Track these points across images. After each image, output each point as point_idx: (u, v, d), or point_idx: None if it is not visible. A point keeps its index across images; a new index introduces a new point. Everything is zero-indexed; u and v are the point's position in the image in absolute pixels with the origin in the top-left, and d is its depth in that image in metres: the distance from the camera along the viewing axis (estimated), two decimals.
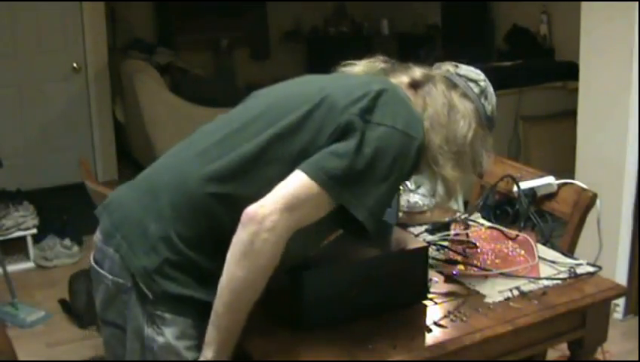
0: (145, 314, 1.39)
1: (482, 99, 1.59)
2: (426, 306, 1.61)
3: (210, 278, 1.36)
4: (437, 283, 1.71)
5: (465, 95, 1.56)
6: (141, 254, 1.40)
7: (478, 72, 1.64)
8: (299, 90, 1.54)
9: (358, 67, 1.61)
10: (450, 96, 1.53)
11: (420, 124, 1.44)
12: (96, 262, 1.50)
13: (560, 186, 2.13)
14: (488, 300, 1.62)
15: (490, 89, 1.63)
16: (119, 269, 1.42)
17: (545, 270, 1.77)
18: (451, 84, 1.56)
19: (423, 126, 1.45)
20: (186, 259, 1.38)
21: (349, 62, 1.62)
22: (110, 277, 1.44)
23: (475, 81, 1.60)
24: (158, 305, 1.38)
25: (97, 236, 1.50)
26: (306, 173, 1.34)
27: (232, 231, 1.31)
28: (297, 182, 1.33)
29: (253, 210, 1.30)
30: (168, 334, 1.38)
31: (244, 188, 1.37)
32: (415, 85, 1.54)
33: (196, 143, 1.49)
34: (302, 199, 1.32)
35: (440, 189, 1.60)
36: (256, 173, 1.39)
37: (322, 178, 1.33)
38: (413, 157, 1.41)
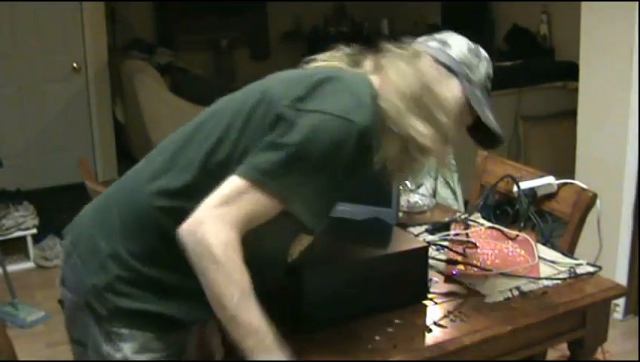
0: (102, 332, 1.39)
1: (465, 68, 1.46)
2: (426, 306, 1.61)
3: (173, 291, 1.34)
4: (437, 283, 1.71)
5: (437, 60, 1.44)
6: (92, 272, 1.39)
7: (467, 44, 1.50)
8: (242, 93, 1.48)
9: (319, 62, 1.54)
10: (416, 64, 1.41)
11: (366, 109, 1.31)
12: (61, 281, 1.50)
13: (560, 186, 2.14)
14: (488, 300, 1.62)
15: (481, 53, 1.51)
16: (76, 288, 1.43)
17: (545, 270, 1.77)
18: (420, 53, 1.45)
19: (374, 111, 1.32)
20: (139, 275, 1.37)
21: (311, 57, 1.55)
22: (70, 295, 1.45)
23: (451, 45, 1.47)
24: (114, 322, 1.37)
25: (61, 255, 1.51)
26: (237, 173, 1.27)
27: None
28: (228, 184, 1.26)
29: (187, 221, 1.25)
30: (127, 350, 1.37)
31: (193, 200, 1.31)
32: (378, 68, 1.44)
33: (151, 158, 1.47)
34: (234, 197, 1.25)
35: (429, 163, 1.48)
36: (203, 183, 1.32)
37: (252, 174, 1.26)
38: (353, 143, 1.27)
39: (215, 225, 1.23)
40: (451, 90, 1.43)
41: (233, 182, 1.26)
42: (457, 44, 1.47)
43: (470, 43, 1.49)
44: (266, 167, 1.26)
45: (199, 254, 1.23)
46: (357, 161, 1.30)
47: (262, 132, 1.31)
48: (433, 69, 1.42)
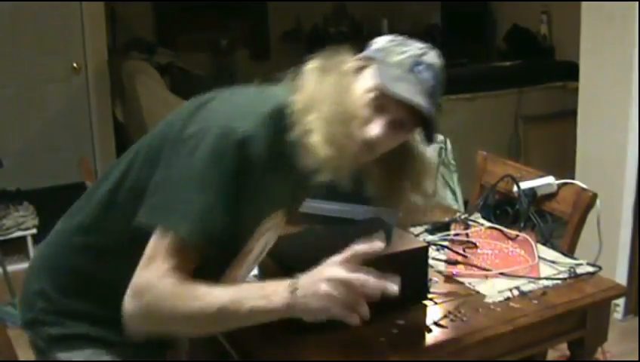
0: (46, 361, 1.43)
1: (382, 53, 1.36)
2: (426, 306, 1.61)
3: (106, 320, 1.32)
4: (437, 283, 1.71)
5: (357, 65, 1.38)
6: (23, 307, 1.45)
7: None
8: (158, 125, 1.43)
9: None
10: (330, 72, 1.37)
11: (252, 117, 1.25)
12: None
13: (560, 186, 2.14)
14: (488, 300, 1.62)
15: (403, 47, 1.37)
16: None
17: (545, 270, 1.77)
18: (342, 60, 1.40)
19: (263, 121, 1.25)
20: (62, 305, 1.39)
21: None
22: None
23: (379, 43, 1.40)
24: (53, 349, 1.40)
25: None
26: (141, 218, 1.25)
27: (110, 280, 1.27)
28: (150, 242, 1.23)
29: (127, 295, 1.22)
30: None
31: (104, 236, 1.33)
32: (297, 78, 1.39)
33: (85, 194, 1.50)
34: (153, 250, 1.21)
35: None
36: (111, 218, 1.34)
37: (151, 218, 1.24)
38: (232, 151, 1.21)
39: (152, 289, 1.20)
40: (363, 79, 1.34)
41: (151, 238, 1.23)
42: (383, 38, 1.42)
43: (401, 37, 1.41)
44: (159, 205, 1.24)
45: (157, 318, 1.22)
46: (241, 169, 1.23)
47: (155, 167, 1.30)
48: (349, 71, 1.37)
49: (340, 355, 1.41)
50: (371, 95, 1.30)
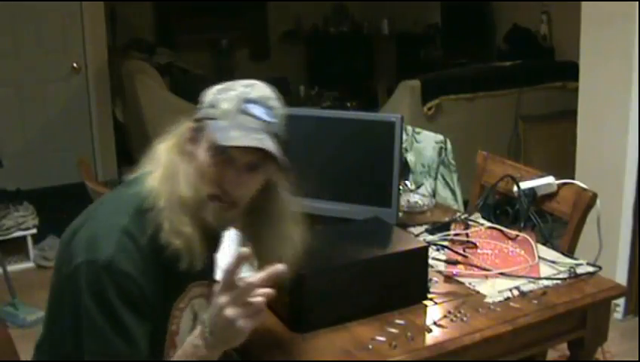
0: None
1: (212, 109, 1.35)
2: (426, 306, 1.61)
3: None
4: (437, 283, 1.71)
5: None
6: None
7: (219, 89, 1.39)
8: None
9: None
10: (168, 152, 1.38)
11: (107, 239, 1.27)
12: None
13: (560, 186, 2.14)
14: (488, 300, 1.62)
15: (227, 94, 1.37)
16: None
17: (545, 270, 1.77)
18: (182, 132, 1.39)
19: (120, 238, 1.27)
20: None
21: None
22: None
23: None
24: None
25: None
26: None
27: None
28: None
29: None
30: None
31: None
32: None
33: None
34: None
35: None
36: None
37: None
38: (106, 280, 1.24)
39: None
40: (202, 144, 1.34)
41: None
42: (211, 91, 1.40)
43: (228, 82, 1.41)
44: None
45: None
46: (124, 286, 1.26)
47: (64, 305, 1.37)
48: (186, 143, 1.37)
49: (340, 355, 1.41)
50: (211, 154, 1.32)
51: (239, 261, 1.22)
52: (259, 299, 1.20)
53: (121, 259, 1.26)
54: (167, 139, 1.40)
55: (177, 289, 1.40)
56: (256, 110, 1.34)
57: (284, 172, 1.39)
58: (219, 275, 1.28)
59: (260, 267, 1.33)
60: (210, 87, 1.40)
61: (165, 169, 1.35)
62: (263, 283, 1.21)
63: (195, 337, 1.27)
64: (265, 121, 1.35)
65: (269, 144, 1.32)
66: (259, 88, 1.39)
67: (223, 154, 1.31)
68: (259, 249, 1.40)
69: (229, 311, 1.20)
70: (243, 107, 1.34)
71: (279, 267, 1.23)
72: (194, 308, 1.43)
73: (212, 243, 1.37)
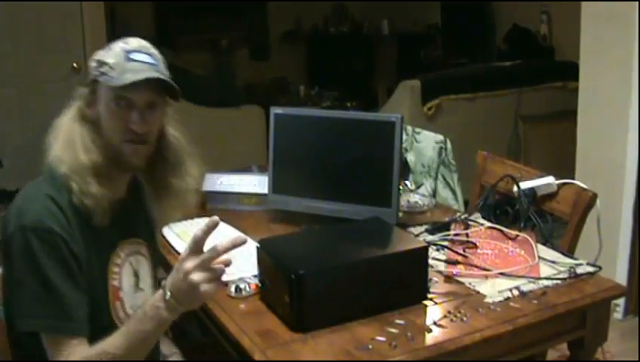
0: None
1: (100, 68, 1.47)
2: (426, 306, 1.61)
3: None
4: (437, 283, 1.71)
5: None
6: None
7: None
8: None
9: None
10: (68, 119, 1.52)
11: (34, 204, 1.41)
12: None
13: (560, 186, 2.13)
14: (488, 300, 1.62)
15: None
16: None
17: (545, 270, 1.77)
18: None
19: (45, 202, 1.41)
20: None
21: None
22: None
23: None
24: None
25: None
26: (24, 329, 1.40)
27: None
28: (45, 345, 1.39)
29: None
30: None
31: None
32: None
33: None
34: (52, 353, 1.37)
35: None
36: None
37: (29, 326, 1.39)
38: (37, 243, 1.36)
39: None
40: (100, 101, 1.48)
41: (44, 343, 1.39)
42: (95, 56, 1.51)
43: (106, 45, 1.52)
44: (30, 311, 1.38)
45: None
46: (53, 248, 1.37)
47: None
48: (84, 106, 1.50)
49: (340, 355, 1.41)
50: (112, 103, 1.46)
51: (209, 229, 1.34)
52: (221, 265, 1.33)
53: (47, 219, 1.37)
54: (66, 112, 1.53)
55: (109, 247, 1.51)
56: (140, 56, 1.48)
57: (177, 100, 1.56)
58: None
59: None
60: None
61: (64, 136, 1.49)
62: (226, 250, 1.34)
63: (156, 299, 1.37)
64: (150, 63, 1.49)
65: (157, 74, 1.48)
66: (135, 40, 1.52)
67: (123, 101, 1.45)
68: (166, 194, 1.60)
69: (195, 276, 1.32)
70: (130, 55, 1.47)
71: (241, 236, 1.38)
72: (132, 264, 1.55)
73: (134, 200, 1.56)
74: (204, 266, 1.32)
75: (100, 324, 1.44)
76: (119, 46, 1.49)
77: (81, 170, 1.43)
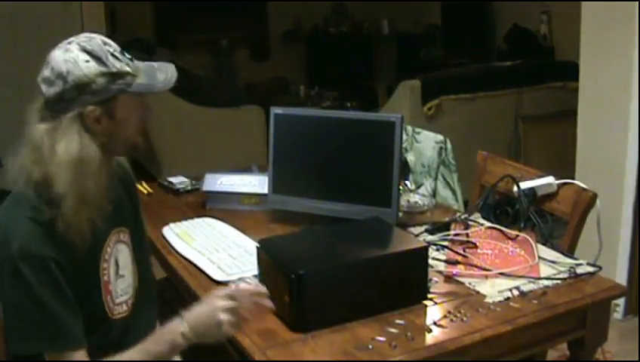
0: None
1: (77, 92, 1.40)
2: (426, 306, 1.61)
3: None
4: (437, 283, 1.71)
5: (59, 112, 1.43)
6: None
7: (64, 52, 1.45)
8: None
9: None
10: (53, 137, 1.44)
11: (18, 231, 1.36)
12: None
13: (560, 186, 2.13)
14: (488, 300, 1.62)
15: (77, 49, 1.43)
16: None
17: (545, 270, 1.77)
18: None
19: (29, 226, 1.37)
20: None
21: None
22: None
23: (54, 81, 1.43)
24: None
25: None
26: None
27: None
28: None
29: None
30: None
31: None
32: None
33: None
34: None
35: None
36: None
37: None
38: (27, 269, 1.34)
39: None
40: (122, 111, 1.46)
41: None
42: (86, 73, 1.41)
43: (82, 53, 1.43)
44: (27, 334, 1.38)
45: None
46: (44, 273, 1.36)
47: None
48: (93, 124, 1.43)
49: (340, 355, 1.41)
50: (138, 107, 1.50)
51: (259, 294, 1.42)
52: (246, 311, 1.40)
53: (33, 244, 1.35)
54: (61, 143, 1.42)
55: (99, 243, 1.50)
56: (123, 52, 1.48)
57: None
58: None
59: None
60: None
61: (68, 161, 1.39)
62: (255, 296, 1.41)
63: (173, 326, 1.41)
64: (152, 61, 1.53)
65: (169, 65, 1.54)
66: (103, 39, 1.47)
67: (142, 101, 1.50)
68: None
69: (222, 315, 1.38)
70: (127, 56, 1.47)
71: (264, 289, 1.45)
72: (114, 255, 1.54)
73: (116, 186, 1.56)
74: (233, 310, 1.39)
75: (97, 321, 1.47)
76: (113, 50, 1.44)
77: (85, 199, 1.39)
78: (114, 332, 1.53)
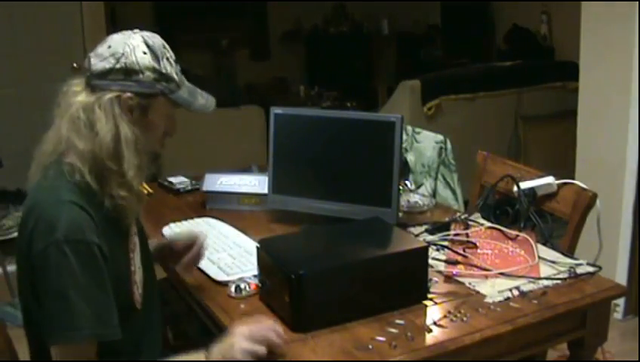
0: None
1: (124, 75, 1.44)
2: (426, 306, 1.61)
3: None
4: (437, 283, 1.71)
5: (98, 88, 1.44)
6: None
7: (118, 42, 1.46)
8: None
9: None
10: (79, 103, 1.46)
11: (62, 216, 1.35)
12: None
13: (560, 186, 2.13)
14: (488, 300, 1.62)
15: (139, 52, 1.45)
16: None
17: (545, 270, 1.77)
18: (87, 88, 1.47)
19: (70, 208, 1.37)
20: None
21: None
22: None
23: (107, 57, 1.44)
24: None
25: None
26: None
27: None
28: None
29: None
30: None
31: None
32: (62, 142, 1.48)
33: None
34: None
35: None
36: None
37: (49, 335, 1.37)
38: (72, 255, 1.33)
39: None
40: (155, 112, 1.49)
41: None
42: (139, 62, 1.45)
43: (142, 44, 1.47)
44: (52, 322, 1.36)
45: None
46: (89, 258, 1.35)
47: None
48: (123, 113, 1.44)
49: (340, 355, 1.41)
50: (170, 118, 1.54)
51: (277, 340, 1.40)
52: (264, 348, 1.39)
53: (79, 229, 1.35)
54: (102, 114, 1.44)
55: (127, 235, 1.52)
56: (177, 63, 1.54)
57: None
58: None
59: None
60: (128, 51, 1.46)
61: (110, 136, 1.41)
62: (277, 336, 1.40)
63: (196, 359, 1.42)
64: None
65: (212, 101, 1.60)
66: (161, 41, 1.53)
67: (174, 113, 1.53)
68: None
69: (244, 356, 1.37)
70: (178, 70, 1.53)
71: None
72: (135, 245, 1.56)
73: None
74: (254, 354, 1.39)
75: (125, 309, 1.46)
76: (166, 52, 1.51)
77: (134, 171, 1.42)
78: (139, 322, 1.53)
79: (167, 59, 1.49)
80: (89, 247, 1.35)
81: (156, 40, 1.50)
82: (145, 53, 1.45)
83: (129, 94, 1.44)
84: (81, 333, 1.35)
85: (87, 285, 1.35)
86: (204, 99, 1.58)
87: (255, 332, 1.39)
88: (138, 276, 1.54)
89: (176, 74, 1.51)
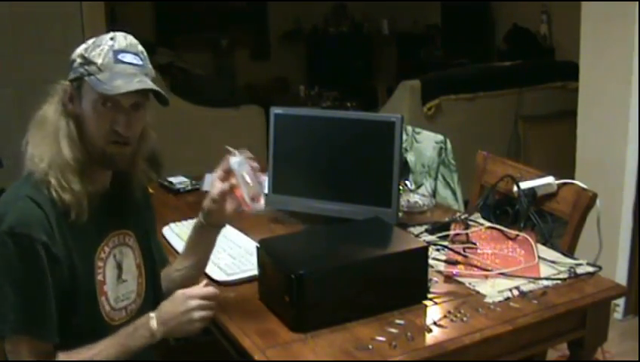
0: None
1: (86, 66, 1.46)
2: (426, 306, 1.61)
3: None
4: (437, 283, 1.71)
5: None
6: None
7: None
8: None
9: None
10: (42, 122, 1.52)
11: (11, 208, 1.38)
12: None
13: (560, 186, 2.13)
14: (488, 300, 1.62)
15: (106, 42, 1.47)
16: None
17: (545, 270, 1.77)
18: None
19: (23, 205, 1.38)
20: None
21: None
22: None
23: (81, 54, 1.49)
24: None
25: None
26: None
27: None
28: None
29: None
30: None
31: None
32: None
33: None
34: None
35: None
36: None
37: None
38: (11, 248, 1.33)
39: None
40: (85, 100, 1.45)
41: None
42: (75, 51, 1.53)
43: (93, 38, 1.52)
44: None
45: None
46: (29, 253, 1.35)
47: None
48: (66, 102, 1.48)
49: (340, 355, 1.41)
50: (98, 104, 1.44)
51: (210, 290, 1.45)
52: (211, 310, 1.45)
53: (26, 223, 1.35)
54: (46, 106, 1.52)
55: (95, 241, 1.50)
56: (129, 57, 1.46)
57: (163, 105, 1.50)
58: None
59: None
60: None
61: (46, 131, 1.48)
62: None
63: (145, 325, 1.44)
64: (138, 65, 1.47)
65: (149, 83, 1.46)
66: (122, 38, 1.49)
67: (109, 102, 1.43)
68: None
69: (197, 314, 1.43)
70: (117, 57, 1.45)
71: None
72: (115, 257, 1.53)
73: (120, 191, 1.55)
74: (205, 305, 1.45)
75: (89, 320, 1.46)
76: (107, 44, 1.46)
77: (62, 165, 1.42)
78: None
79: (109, 48, 1.46)
80: (32, 244, 1.34)
81: (117, 35, 1.49)
82: (87, 43, 1.49)
83: (66, 82, 1.49)
84: (9, 326, 1.35)
85: (23, 280, 1.34)
86: (131, 85, 1.42)
87: (202, 292, 1.46)
88: (118, 290, 1.52)
89: (110, 61, 1.44)
